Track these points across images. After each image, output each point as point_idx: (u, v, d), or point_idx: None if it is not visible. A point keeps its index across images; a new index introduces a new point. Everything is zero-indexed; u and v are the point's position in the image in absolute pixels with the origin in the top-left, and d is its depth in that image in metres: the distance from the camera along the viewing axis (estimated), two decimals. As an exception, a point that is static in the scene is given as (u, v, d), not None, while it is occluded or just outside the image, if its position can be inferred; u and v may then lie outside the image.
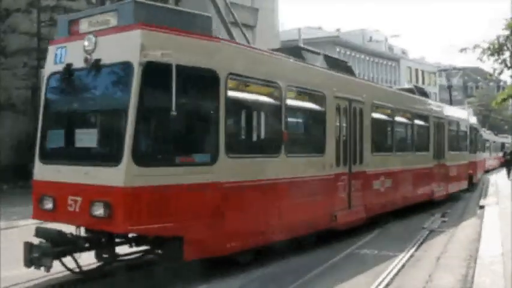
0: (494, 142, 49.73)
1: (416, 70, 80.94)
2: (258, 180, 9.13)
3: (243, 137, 9.60)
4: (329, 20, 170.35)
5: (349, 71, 13.62)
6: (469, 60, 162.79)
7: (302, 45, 12.81)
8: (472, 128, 25.73)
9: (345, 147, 12.06)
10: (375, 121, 13.76)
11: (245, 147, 9.45)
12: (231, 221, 8.46)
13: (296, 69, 10.66)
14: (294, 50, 11.97)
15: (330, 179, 11.30)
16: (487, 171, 39.86)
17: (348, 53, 62.17)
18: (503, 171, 37.93)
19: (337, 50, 59.36)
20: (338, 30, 68.43)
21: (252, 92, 9.49)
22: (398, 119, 15.52)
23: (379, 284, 8.30)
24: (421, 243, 11.86)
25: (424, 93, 19.59)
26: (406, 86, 21.89)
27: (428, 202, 17.67)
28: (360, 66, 63.23)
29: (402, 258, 10.18)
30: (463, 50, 20.32)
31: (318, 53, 12.58)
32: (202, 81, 8.32)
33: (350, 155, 12.23)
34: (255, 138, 9.80)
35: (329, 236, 11.35)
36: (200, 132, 8.48)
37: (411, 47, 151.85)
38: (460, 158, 22.06)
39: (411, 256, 10.49)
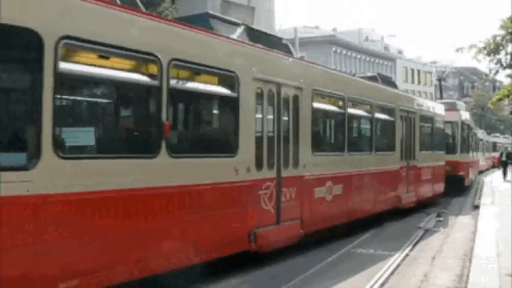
0: (487, 142, 47.73)
1: (412, 70, 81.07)
2: (113, 191, 6.43)
3: (92, 128, 6.83)
4: (325, 20, 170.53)
5: (284, 49, 10.81)
6: (465, 61, 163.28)
7: (212, 12, 10.28)
8: (464, 125, 24.32)
9: (271, 146, 9.43)
10: (318, 113, 11.37)
11: (95, 143, 6.61)
12: (62, 253, 5.84)
13: (188, 39, 7.94)
14: (200, 17, 9.44)
15: (245, 187, 8.66)
16: (481, 172, 38.52)
17: (344, 52, 62.25)
18: (497, 173, 37.18)
19: (334, 49, 59.48)
20: (334, 29, 68.56)
21: (110, 66, 6.80)
22: (352, 111, 12.71)
23: (374, 284, 8.30)
24: (417, 243, 11.88)
25: (390, 83, 17.31)
26: (369, 74, 17.99)
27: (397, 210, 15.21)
28: (356, 66, 63.31)
29: (398, 257, 10.19)
30: (459, 49, 20.40)
31: (237, 24, 10.03)
32: (16, 45, 5.76)
33: (279, 155, 9.59)
34: (113, 131, 7.41)
35: (324, 236, 11.32)
36: (9, 119, 6.05)
37: (407, 47, 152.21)
38: (436, 159, 19.06)
39: (406, 255, 10.50)
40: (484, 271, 8.44)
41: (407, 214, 15.94)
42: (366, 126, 14.03)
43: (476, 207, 18.03)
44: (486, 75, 23.83)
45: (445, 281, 8.57)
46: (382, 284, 8.33)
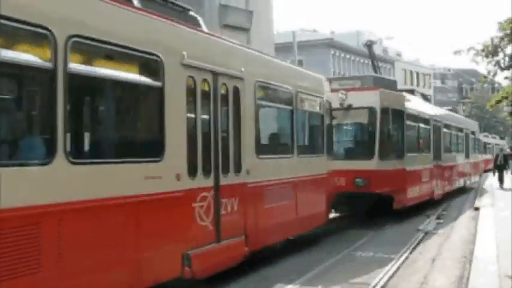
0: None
1: (411, 72, 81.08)
2: None
3: None
4: (324, 23, 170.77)
5: (192, 22, 8.50)
6: (464, 62, 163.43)
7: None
8: (399, 114, 16.32)
9: (206, 148, 7.89)
10: (264, 109, 9.96)
11: None
12: None
13: (96, 9, 6.16)
14: None
15: (175, 199, 7.12)
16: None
17: (343, 55, 62.25)
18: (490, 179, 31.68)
19: (332, 52, 59.47)
20: (332, 32, 68.52)
21: None
22: (303, 107, 11.23)
23: (374, 286, 8.27)
24: (416, 245, 11.85)
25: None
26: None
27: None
28: (354, 69, 63.30)
29: (397, 260, 10.16)
30: (457, 52, 20.46)
31: None
32: None
33: (217, 159, 8.13)
34: None
35: (323, 239, 11.31)
36: None
37: (406, 49, 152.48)
38: (311, 167, 11.52)
39: (406, 258, 10.47)
40: (484, 273, 8.41)
41: (407, 216, 15.92)
42: (316, 124, 12.26)
43: (476, 209, 18.01)
44: (485, 77, 23.76)
45: (444, 283, 8.55)
46: (382, 287, 8.30)
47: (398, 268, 9.56)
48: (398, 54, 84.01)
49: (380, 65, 73.35)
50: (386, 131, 15.13)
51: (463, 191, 25.22)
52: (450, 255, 10.76)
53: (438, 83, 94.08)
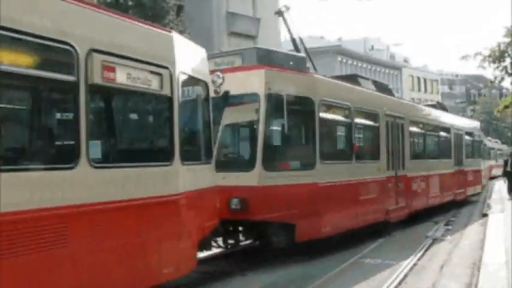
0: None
1: (419, 78, 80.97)
2: None
3: None
4: (331, 30, 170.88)
5: None
6: (471, 68, 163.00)
7: None
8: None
9: None
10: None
11: None
12: None
13: None
14: None
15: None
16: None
17: (350, 62, 62.27)
18: None
19: (339, 59, 59.48)
20: (340, 39, 68.61)
21: None
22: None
23: (383, 293, 8.27)
24: (425, 252, 11.81)
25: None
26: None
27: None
28: (362, 75, 63.28)
29: (406, 266, 10.13)
30: (464, 57, 20.47)
31: None
32: None
33: None
34: None
35: (332, 245, 11.31)
36: None
37: (413, 55, 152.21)
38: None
39: (415, 265, 10.43)
40: (493, 280, 8.38)
41: (416, 223, 15.87)
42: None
43: (485, 215, 17.93)
44: (492, 82, 23.62)
45: (453, 290, 8.53)
46: (390, 294, 8.31)
47: (406, 275, 9.53)
48: (406, 61, 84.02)
49: (387, 71, 73.26)
50: (277, 129, 10.43)
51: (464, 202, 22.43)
52: (459, 261, 10.71)
53: (446, 89, 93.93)
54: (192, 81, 8.04)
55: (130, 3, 22.04)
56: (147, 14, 20.78)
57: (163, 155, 7.19)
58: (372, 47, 70.97)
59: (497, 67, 20.31)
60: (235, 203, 9.61)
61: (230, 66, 10.61)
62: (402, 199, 15.04)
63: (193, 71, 7.98)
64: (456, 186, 20.71)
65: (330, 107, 11.95)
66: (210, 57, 9.73)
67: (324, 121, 11.44)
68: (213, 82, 9.81)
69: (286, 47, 38.15)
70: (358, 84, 14.28)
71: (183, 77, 7.40)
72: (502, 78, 21.11)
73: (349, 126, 12.71)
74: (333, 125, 12.59)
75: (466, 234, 14.48)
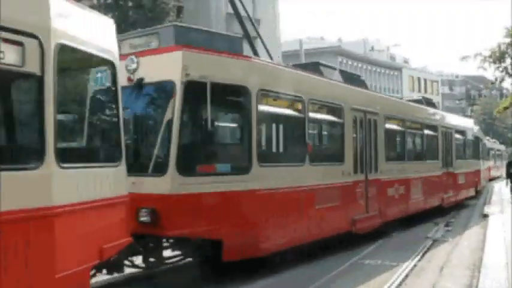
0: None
1: (419, 79, 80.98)
2: None
3: None
4: (331, 31, 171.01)
5: None
6: (472, 69, 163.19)
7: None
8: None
9: None
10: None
11: None
12: None
13: None
14: None
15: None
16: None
17: (350, 62, 62.29)
18: None
19: (339, 60, 59.47)
20: (340, 40, 68.65)
21: None
22: None
23: (382, 295, 8.25)
24: (425, 253, 11.79)
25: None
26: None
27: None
28: (362, 76, 63.32)
29: (405, 268, 10.11)
30: (464, 58, 20.47)
31: None
32: None
33: None
34: None
35: (333, 246, 11.30)
36: None
37: (413, 56, 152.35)
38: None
39: (414, 266, 10.42)
40: (493, 281, 8.37)
41: (416, 224, 15.84)
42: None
43: (485, 216, 17.91)
44: (492, 83, 23.61)
45: (453, 291, 8.51)
46: (390, 295, 8.29)
47: (406, 276, 9.51)
48: (406, 61, 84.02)
49: (387, 72, 73.26)
50: (198, 125, 8.85)
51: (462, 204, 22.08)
52: (459, 262, 10.69)
53: (446, 90, 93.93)
54: (86, 58, 6.24)
55: (130, 4, 22.04)
56: (147, 15, 20.79)
57: (26, 155, 5.42)
58: (372, 48, 70.93)
59: (498, 68, 20.31)
60: (144, 214, 7.89)
61: (147, 48, 8.84)
62: (374, 207, 13.03)
63: (90, 46, 6.07)
64: (444, 190, 18.73)
65: (273, 99, 10.05)
66: (125, 38, 8.91)
67: (264, 115, 9.74)
68: (127, 68, 8.51)
69: (287, 47, 38.18)
70: (320, 73, 12.24)
71: (67, 52, 5.56)
72: (503, 79, 21.09)
73: (301, 122, 10.60)
74: (278, 121, 10.84)
75: (466, 235, 14.45)
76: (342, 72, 13.93)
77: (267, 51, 11.57)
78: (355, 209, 12.26)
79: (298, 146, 10.90)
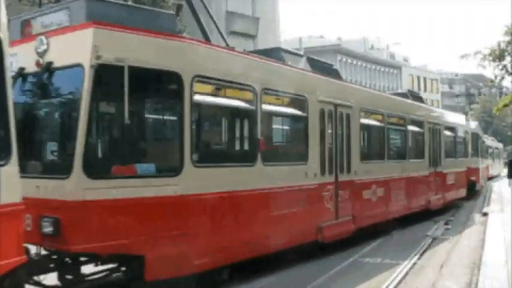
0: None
1: (418, 77, 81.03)
2: None
3: None
4: (330, 29, 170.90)
5: None
6: (471, 67, 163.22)
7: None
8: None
9: None
10: None
11: None
12: None
13: None
14: None
15: None
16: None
17: (350, 61, 62.31)
18: None
19: (339, 58, 59.51)
20: (339, 38, 68.62)
21: None
22: None
23: (382, 293, 8.25)
24: (425, 251, 11.80)
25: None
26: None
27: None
28: (361, 74, 63.32)
29: (405, 266, 10.13)
30: (463, 56, 20.47)
31: None
32: None
33: None
34: None
35: (331, 245, 11.30)
36: None
37: (413, 55, 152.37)
38: None
39: (414, 264, 10.43)
40: (493, 279, 8.37)
41: (416, 222, 15.84)
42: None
43: (485, 214, 17.91)
44: (492, 81, 23.59)
45: (453, 289, 8.51)
46: (390, 294, 8.29)
47: (406, 274, 9.53)
48: (406, 60, 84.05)
49: (387, 70, 73.46)
50: (112, 117, 7.50)
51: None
52: (459, 261, 10.69)
53: (446, 88, 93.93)
54: None
55: (129, 2, 22.01)
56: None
57: None
58: (372, 46, 71.04)
59: (497, 66, 20.30)
60: (46, 225, 6.58)
61: (58, 27, 7.39)
62: (346, 211, 11.62)
63: None
64: (431, 192, 17.15)
65: (215, 88, 8.60)
66: (37, 15, 7.67)
67: (201, 107, 8.40)
68: (36, 50, 7.24)
69: (286, 46, 38.27)
70: (282, 60, 10.71)
71: None
72: (502, 77, 21.08)
73: (252, 116, 9.17)
74: (220, 114, 9.48)
75: (466, 234, 14.45)
76: (310, 59, 12.01)
77: (201, 27, 9.69)
78: (322, 215, 10.78)
79: (246, 143, 9.62)
